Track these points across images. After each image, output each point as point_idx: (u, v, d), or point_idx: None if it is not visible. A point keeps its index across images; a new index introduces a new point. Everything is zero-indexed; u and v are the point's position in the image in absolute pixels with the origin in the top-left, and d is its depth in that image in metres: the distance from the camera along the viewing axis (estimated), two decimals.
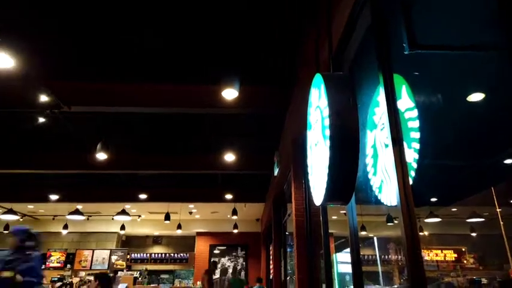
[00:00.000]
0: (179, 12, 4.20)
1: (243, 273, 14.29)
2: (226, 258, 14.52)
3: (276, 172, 7.03)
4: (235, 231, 13.12)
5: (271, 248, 10.64)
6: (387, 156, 2.09)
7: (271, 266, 10.50)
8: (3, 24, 4.17)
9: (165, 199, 10.87)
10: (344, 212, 2.83)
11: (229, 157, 7.52)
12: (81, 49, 4.90)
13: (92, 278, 10.31)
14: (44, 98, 5.13)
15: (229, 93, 4.61)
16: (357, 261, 2.71)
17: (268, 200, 10.12)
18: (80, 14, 4.24)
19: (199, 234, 14.68)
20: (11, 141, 7.74)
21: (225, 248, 14.62)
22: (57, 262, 13.78)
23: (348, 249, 2.80)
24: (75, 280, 11.90)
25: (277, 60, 5.03)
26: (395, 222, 2.30)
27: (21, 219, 12.91)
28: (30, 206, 12.23)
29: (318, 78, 2.36)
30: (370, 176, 2.44)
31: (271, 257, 10.72)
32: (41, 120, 6.39)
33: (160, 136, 7.64)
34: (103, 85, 5.55)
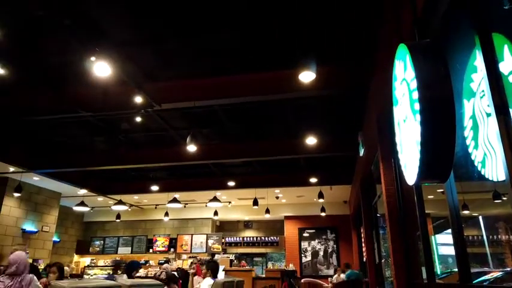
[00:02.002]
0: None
1: (334, 255, 14.21)
2: (316, 241, 14.55)
3: (361, 153, 6.78)
4: (323, 214, 13.05)
5: (362, 230, 10.37)
6: (490, 127, 1.88)
7: (363, 249, 10.25)
8: (100, 37, 4.67)
9: (251, 185, 11.27)
10: (441, 190, 2.63)
11: (311, 140, 7.45)
12: (167, 53, 5.26)
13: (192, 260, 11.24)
14: (138, 100, 5.65)
15: (306, 76, 4.52)
16: (460, 243, 2.50)
17: (355, 182, 9.84)
18: (164, 23, 4.55)
19: (287, 218, 14.94)
20: (116, 141, 8.73)
21: (314, 231, 14.65)
22: (162, 246, 15.29)
23: (449, 230, 2.60)
24: (187, 262, 12.96)
25: (354, 34, 4.79)
26: (504, 199, 2.06)
27: (129, 209, 14.55)
28: (136, 197, 13.71)
29: (402, 49, 2.20)
30: (470, 149, 2.22)
31: (363, 240, 10.46)
32: (138, 119, 7.08)
33: (243, 125, 7.90)
34: (188, 82, 5.91)
